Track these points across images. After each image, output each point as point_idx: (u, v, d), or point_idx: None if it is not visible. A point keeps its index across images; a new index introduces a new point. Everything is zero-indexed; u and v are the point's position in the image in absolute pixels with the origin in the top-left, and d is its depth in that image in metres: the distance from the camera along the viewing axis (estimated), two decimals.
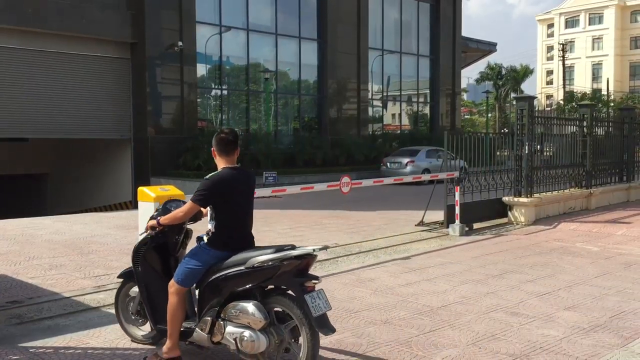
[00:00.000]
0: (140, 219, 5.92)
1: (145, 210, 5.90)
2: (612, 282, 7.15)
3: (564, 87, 60.18)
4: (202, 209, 4.49)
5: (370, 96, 29.55)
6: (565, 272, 7.65)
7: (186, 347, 4.56)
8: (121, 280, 5.04)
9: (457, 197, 10.57)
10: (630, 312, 5.90)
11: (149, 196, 5.90)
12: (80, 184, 23.20)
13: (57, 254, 8.72)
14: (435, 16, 32.05)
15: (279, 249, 4.16)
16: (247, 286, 4.18)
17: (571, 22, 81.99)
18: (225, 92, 25.13)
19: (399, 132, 31.33)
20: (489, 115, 61.89)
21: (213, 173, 4.37)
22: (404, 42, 31.23)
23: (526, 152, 11.87)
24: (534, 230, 11.12)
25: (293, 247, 4.18)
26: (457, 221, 10.51)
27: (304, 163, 24.22)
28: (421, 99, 33.23)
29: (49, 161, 24.42)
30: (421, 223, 11.33)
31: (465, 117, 61.26)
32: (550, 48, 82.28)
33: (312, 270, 4.17)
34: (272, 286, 4.21)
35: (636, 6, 77.24)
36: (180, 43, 21.48)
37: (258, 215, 13.55)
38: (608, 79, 68.21)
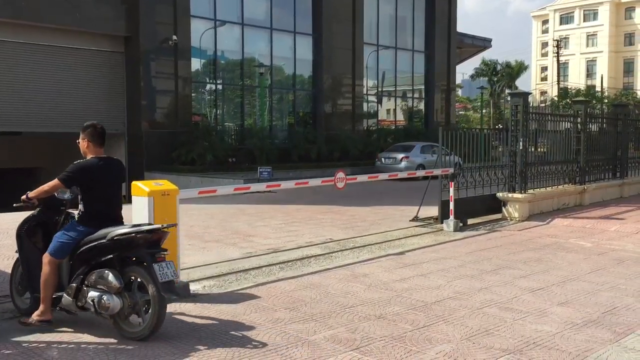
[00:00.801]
0: (134, 214, 5.90)
1: (139, 204, 5.88)
2: (605, 277, 7.18)
3: (558, 84, 60.26)
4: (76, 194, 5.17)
5: (365, 91, 29.53)
6: (559, 268, 7.67)
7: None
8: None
9: (451, 193, 10.58)
10: (623, 307, 5.92)
11: (143, 191, 5.89)
12: None
13: None
14: (430, 12, 32.01)
15: (136, 225, 5.01)
16: (109, 256, 4.84)
17: (566, 19, 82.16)
18: (219, 86, 25.05)
19: (393, 127, 31.30)
20: (484, 111, 62.05)
21: (81, 160, 5.13)
22: (399, 38, 31.19)
23: (520, 148, 11.89)
24: (527, 226, 11.14)
25: (149, 224, 5.06)
26: (452, 217, 10.52)
27: (299, 158, 24.19)
28: (416, 95, 33.22)
29: (43, 155, 24.27)
30: (415, 218, 11.34)
31: (460, 113, 61.30)
32: (544, 44, 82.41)
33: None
34: (134, 258, 4.86)
35: (630, 3, 77.42)
36: (174, 37, 21.40)
37: (252, 210, 13.54)
38: (602, 75, 68.40)
